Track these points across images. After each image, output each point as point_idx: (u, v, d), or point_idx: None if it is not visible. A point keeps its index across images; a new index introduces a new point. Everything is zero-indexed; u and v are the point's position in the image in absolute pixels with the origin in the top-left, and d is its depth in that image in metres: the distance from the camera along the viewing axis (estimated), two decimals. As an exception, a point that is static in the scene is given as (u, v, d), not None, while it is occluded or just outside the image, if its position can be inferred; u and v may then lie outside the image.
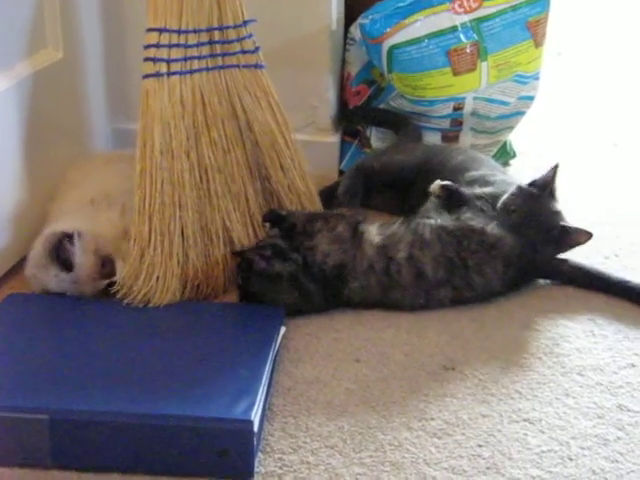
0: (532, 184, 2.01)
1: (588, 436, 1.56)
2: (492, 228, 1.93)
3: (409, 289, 1.89)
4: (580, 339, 1.84)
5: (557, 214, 1.99)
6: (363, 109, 2.60)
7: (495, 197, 2.02)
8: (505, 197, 2.00)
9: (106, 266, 1.88)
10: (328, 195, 2.26)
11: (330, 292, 1.89)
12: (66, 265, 1.85)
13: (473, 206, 1.98)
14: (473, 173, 2.15)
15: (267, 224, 1.97)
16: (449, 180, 2.06)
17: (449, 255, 1.90)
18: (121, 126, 2.51)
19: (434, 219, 1.96)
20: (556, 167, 2.00)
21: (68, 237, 1.85)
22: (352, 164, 2.52)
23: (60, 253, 1.85)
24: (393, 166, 2.31)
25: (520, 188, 2.00)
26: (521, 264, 1.94)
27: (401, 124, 2.51)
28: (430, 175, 2.19)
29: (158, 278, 1.86)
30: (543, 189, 2.00)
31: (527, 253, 1.95)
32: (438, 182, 2.01)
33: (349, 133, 2.61)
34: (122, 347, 1.69)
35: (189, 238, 1.90)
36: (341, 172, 2.55)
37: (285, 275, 1.85)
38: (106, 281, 1.87)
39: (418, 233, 1.92)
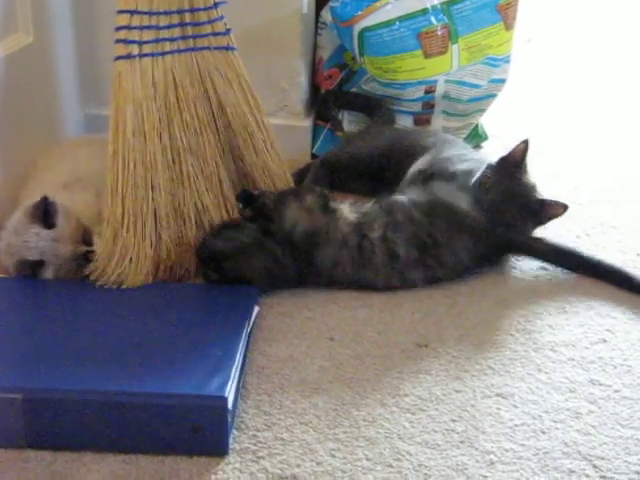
0: (503, 160, 2.02)
1: (560, 410, 1.57)
2: (460, 204, 1.95)
3: (382, 270, 1.90)
4: (552, 316, 1.85)
5: (532, 188, 2.01)
6: (336, 93, 2.60)
7: (470, 173, 2.04)
8: (478, 175, 2.01)
9: (86, 235, 1.88)
10: (300, 178, 2.26)
11: (301, 258, 1.88)
12: (48, 223, 1.85)
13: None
14: (445, 154, 2.16)
15: (240, 204, 1.97)
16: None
17: (421, 236, 1.91)
18: (93, 112, 2.50)
19: (406, 195, 1.97)
20: (526, 142, 2.01)
21: (51, 202, 1.86)
22: (324, 148, 2.54)
23: (43, 212, 1.85)
24: (360, 155, 2.31)
25: (492, 166, 2.01)
26: (491, 240, 1.96)
27: (374, 108, 2.51)
28: (401, 158, 2.20)
29: (131, 259, 1.86)
30: (515, 165, 2.00)
31: (498, 229, 1.96)
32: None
33: (322, 117, 2.61)
34: (96, 327, 1.69)
35: (162, 219, 1.90)
36: (313, 155, 2.56)
37: (251, 240, 1.86)
38: (84, 248, 1.86)
39: (392, 215, 1.93)
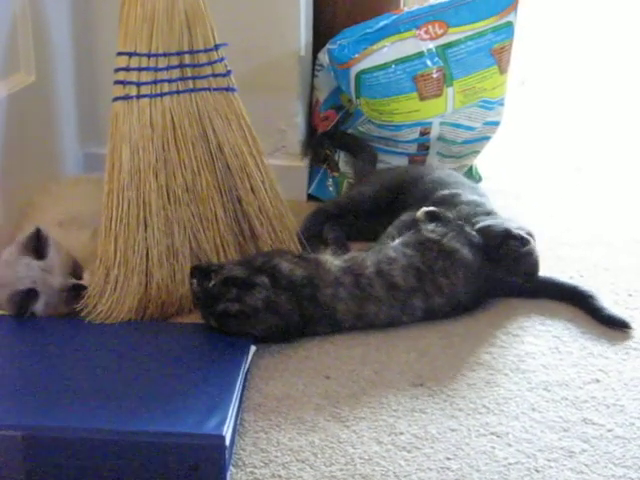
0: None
1: (554, 449, 1.59)
2: (448, 239, 1.98)
3: (384, 300, 1.92)
4: (546, 356, 1.87)
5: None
6: (331, 133, 2.62)
7: (467, 216, 2.07)
8: (485, 224, 2.05)
9: (76, 270, 1.91)
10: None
11: (305, 303, 1.88)
12: (39, 254, 1.87)
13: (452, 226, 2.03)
14: (443, 192, 2.19)
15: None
16: (421, 199, 2.12)
17: (416, 265, 1.94)
18: (93, 151, 2.52)
19: (394, 239, 2.02)
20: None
21: (43, 234, 1.89)
22: (320, 188, 2.57)
23: (35, 242, 1.88)
24: (363, 197, 2.34)
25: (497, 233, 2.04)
26: (482, 278, 1.99)
27: (359, 148, 2.54)
28: (406, 195, 2.23)
29: (120, 296, 1.89)
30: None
31: (487, 268, 2.01)
32: (423, 209, 2.06)
33: (316, 158, 2.64)
34: (93, 365, 1.70)
35: (154, 257, 1.93)
36: (309, 196, 2.59)
37: (260, 306, 1.85)
38: (74, 281, 1.89)
39: (382, 253, 1.96)
